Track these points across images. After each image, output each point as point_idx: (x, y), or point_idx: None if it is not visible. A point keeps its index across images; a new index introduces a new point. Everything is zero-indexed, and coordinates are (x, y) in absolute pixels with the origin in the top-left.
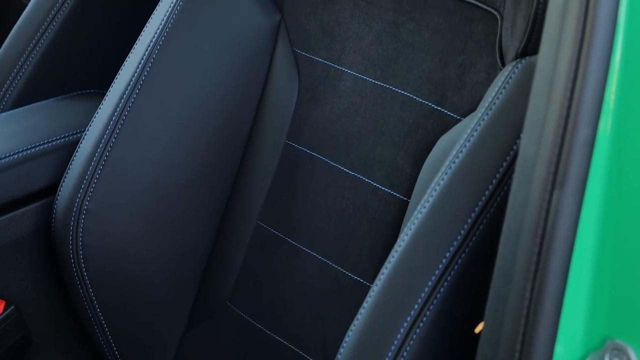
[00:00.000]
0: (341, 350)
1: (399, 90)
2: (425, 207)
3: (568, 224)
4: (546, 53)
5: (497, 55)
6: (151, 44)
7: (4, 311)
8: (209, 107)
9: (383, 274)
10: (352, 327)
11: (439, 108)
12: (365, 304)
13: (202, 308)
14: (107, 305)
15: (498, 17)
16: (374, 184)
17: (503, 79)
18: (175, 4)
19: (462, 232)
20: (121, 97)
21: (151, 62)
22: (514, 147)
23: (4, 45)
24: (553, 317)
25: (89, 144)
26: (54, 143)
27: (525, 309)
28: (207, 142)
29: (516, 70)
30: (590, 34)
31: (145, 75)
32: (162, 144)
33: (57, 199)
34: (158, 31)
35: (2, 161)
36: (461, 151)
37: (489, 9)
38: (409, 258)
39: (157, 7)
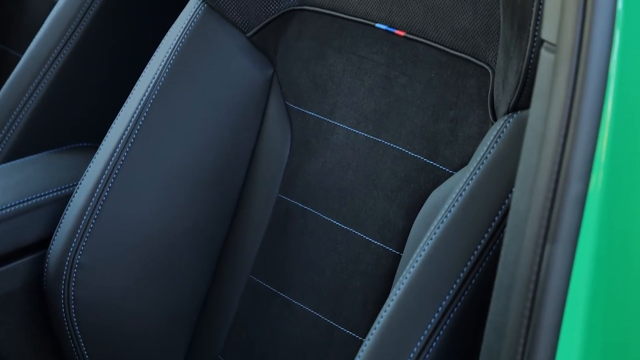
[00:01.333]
0: None
1: (391, 144)
2: (417, 261)
3: (560, 279)
4: (537, 108)
5: (489, 109)
6: (144, 98)
7: None
8: (201, 162)
9: (375, 328)
10: None
11: (431, 162)
12: (357, 358)
13: None
14: (98, 359)
15: (490, 71)
16: (367, 238)
17: (495, 133)
18: (167, 59)
19: (454, 286)
20: (113, 152)
21: (144, 117)
22: (506, 201)
23: None
24: None
25: (81, 197)
26: (46, 196)
27: None
28: (199, 196)
29: (508, 125)
30: (581, 89)
31: (137, 130)
32: (154, 199)
33: (49, 253)
34: (151, 86)
35: None
36: (453, 205)
37: (480, 63)
38: (401, 312)
39: (150, 62)
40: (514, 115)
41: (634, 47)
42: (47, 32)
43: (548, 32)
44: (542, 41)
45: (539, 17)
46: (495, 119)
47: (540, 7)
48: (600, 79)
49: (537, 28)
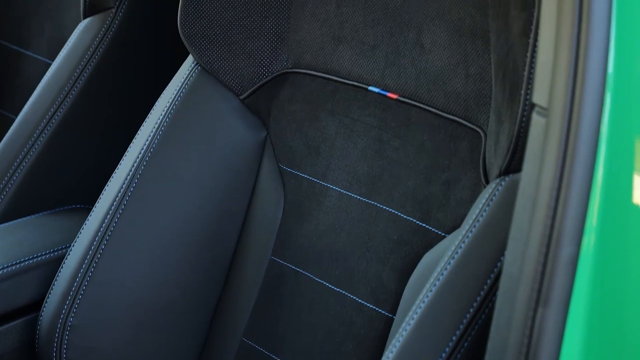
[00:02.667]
0: None
1: (384, 207)
2: (410, 324)
3: (552, 342)
4: (529, 172)
5: (481, 172)
6: (137, 161)
7: None
8: (194, 224)
9: None
10: None
11: (424, 225)
12: None
13: None
14: None
15: (482, 134)
16: (359, 301)
17: (487, 196)
18: (161, 121)
19: (447, 349)
20: (106, 214)
21: (137, 179)
22: (498, 264)
23: None
24: None
25: (73, 260)
26: (38, 259)
27: None
28: (192, 258)
29: (500, 188)
30: (572, 153)
31: (130, 192)
32: (147, 261)
33: (41, 315)
34: (144, 148)
35: None
36: (446, 268)
37: (472, 126)
38: None
39: (144, 124)
40: (506, 179)
41: (625, 111)
42: (41, 95)
43: (539, 96)
44: (533, 105)
45: (530, 81)
46: (487, 182)
47: (532, 71)
48: (591, 143)
49: (528, 92)
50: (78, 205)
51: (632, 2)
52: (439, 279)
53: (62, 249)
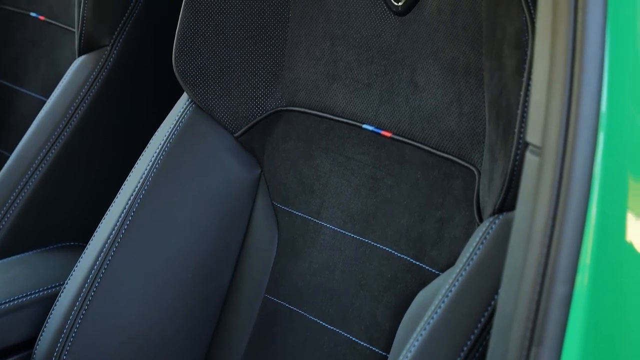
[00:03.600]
0: None
1: (378, 245)
2: None
3: None
4: (523, 210)
5: (475, 210)
6: (131, 198)
7: None
8: (188, 262)
9: None
10: None
11: (418, 263)
12: None
13: None
14: None
15: (476, 173)
16: (353, 339)
17: (481, 234)
18: (155, 159)
19: None
20: (100, 251)
21: (131, 217)
22: (492, 302)
23: None
24: None
25: (67, 297)
26: (32, 296)
27: None
28: (187, 296)
29: (494, 226)
30: (566, 192)
31: (124, 230)
32: (141, 299)
33: (34, 353)
34: (138, 185)
35: None
36: (439, 306)
37: (466, 164)
38: None
39: (138, 161)
40: (500, 217)
41: (618, 150)
42: (35, 132)
43: (533, 135)
44: (527, 144)
45: (523, 120)
46: (481, 220)
47: (525, 109)
48: (585, 182)
49: (522, 131)
50: (72, 243)
51: (625, 43)
52: (433, 317)
53: (55, 286)
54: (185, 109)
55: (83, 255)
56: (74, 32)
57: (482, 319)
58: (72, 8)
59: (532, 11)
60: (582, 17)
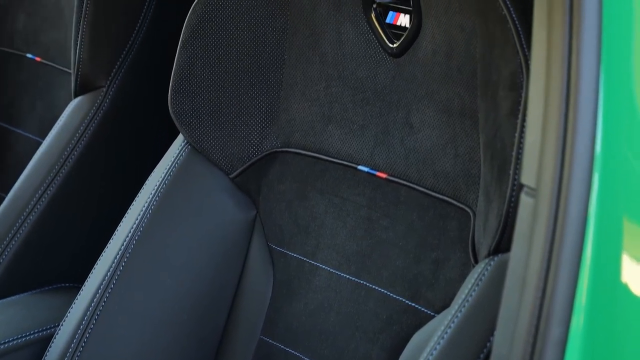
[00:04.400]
0: None
1: (373, 286)
2: None
3: None
4: (518, 252)
5: (470, 252)
6: (126, 240)
7: None
8: (183, 303)
9: None
10: None
11: (413, 304)
12: None
13: None
14: None
15: (471, 214)
16: None
17: (476, 276)
18: (151, 200)
19: None
20: (95, 293)
21: (126, 258)
22: (488, 344)
23: None
24: None
25: (62, 339)
26: (27, 338)
27: None
28: (182, 337)
29: (489, 268)
30: (560, 233)
31: (120, 271)
32: (136, 341)
33: None
34: (134, 227)
35: None
36: (435, 348)
37: (462, 206)
38: None
39: (134, 203)
40: (495, 258)
41: (613, 191)
42: (31, 173)
43: (527, 176)
44: (521, 186)
45: (518, 162)
46: (476, 262)
47: (520, 151)
48: (580, 224)
49: (516, 172)
50: (68, 284)
51: (619, 84)
52: (428, 359)
53: (50, 328)
54: (180, 150)
55: (78, 296)
56: (70, 73)
57: None
58: (68, 49)
59: (527, 53)
60: (576, 60)
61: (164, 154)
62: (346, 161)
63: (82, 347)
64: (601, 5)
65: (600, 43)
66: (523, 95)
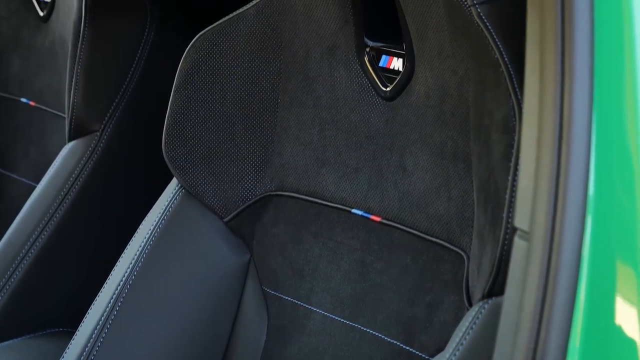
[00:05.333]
0: None
1: (368, 330)
2: None
3: None
4: (511, 295)
5: (464, 295)
6: (120, 284)
7: None
8: (178, 348)
9: None
10: None
11: (408, 347)
12: None
13: None
14: None
15: (465, 257)
16: None
17: (470, 319)
18: (145, 245)
19: None
20: (89, 338)
21: (120, 303)
22: None
23: None
24: None
25: None
26: None
27: None
28: None
29: (483, 311)
30: (554, 277)
31: (114, 316)
32: None
33: None
34: (127, 271)
35: None
36: None
37: (455, 249)
38: None
39: (127, 248)
40: (489, 301)
41: (606, 234)
42: (25, 217)
43: (521, 220)
44: (515, 229)
45: (511, 205)
46: (470, 305)
47: (513, 195)
48: (573, 267)
49: (510, 215)
50: (62, 329)
51: (611, 126)
52: None
53: None
54: (174, 194)
55: (72, 342)
56: (64, 117)
57: None
58: (62, 94)
59: (520, 96)
60: (568, 103)
61: (157, 198)
62: (340, 204)
63: None
64: (593, 48)
65: (592, 86)
66: (516, 138)
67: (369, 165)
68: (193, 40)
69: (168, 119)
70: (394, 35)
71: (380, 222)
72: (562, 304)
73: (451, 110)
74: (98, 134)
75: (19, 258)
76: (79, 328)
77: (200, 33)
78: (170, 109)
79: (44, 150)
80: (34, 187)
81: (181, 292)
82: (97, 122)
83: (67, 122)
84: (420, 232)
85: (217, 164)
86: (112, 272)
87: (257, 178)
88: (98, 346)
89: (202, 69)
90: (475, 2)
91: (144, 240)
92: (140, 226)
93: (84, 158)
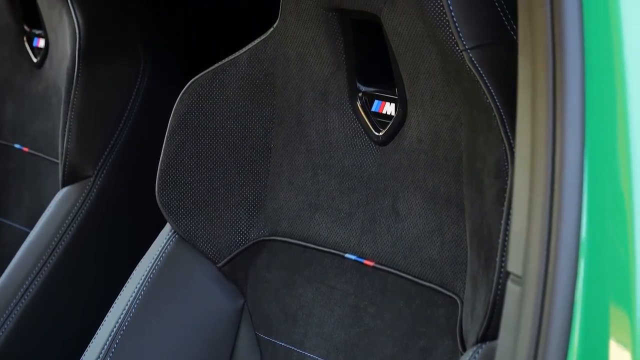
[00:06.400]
0: None
1: None
2: None
3: None
4: (505, 340)
5: (458, 339)
6: (113, 331)
7: None
8: None
9: None
10: None
11: None
12: None
13: None
14: None
15: (458, 301)
16: None
17: None
18: (138, 291)
19: None
20: None
21: (113, 350)
22: None
23: None
24: None
25: None
26: None
27: None
28: None
29: (477, 356)
30: (547, 322)
31: None
32: None
33: None
34: (121, 318)
35: None
36: None
37: (449, 293)
38: None
39: (121, 294)
40: (483, 346)
41: (599, 277)
42: (19, 263)
43: (514, 264)
44: (508, 273)
45: (505, 249)
46: (464, 349)
47: (506, 239)
48: (566, 311)
49: (503, 260)
50: None
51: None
52: None
53: None
54: (168, 239)
55: None
56: (57, 163)
57: None
58: (55, 139)
59: (512, 141)
60: (560, 146)
61: (151, 242)
62: (333, 249)
63: None
64: (585, 92)
65: (584, 129)
66: (508, 182)
67: (362, 209)
68: (186, 86)
69: (161, 164)
70: (386, 80)
71: (373, 267)
72: (555, 349)
73: (444, 155)
74: (91, 179)
75: (12, 304)
76: None
77: (194, 78)
78: (163, 154)
79: (38, 196)
80: (28, 233)
81: (175, 338)
82: (91, 168)
83: (60, 168)
84: (414, 276)
85: (211, 209)
86: (105, 318)
87: (251, 223)
88: None
89: (195, 114)
90: (466, 47)
91: (138, 286)
92: (134, 272)
93: (78, 204)
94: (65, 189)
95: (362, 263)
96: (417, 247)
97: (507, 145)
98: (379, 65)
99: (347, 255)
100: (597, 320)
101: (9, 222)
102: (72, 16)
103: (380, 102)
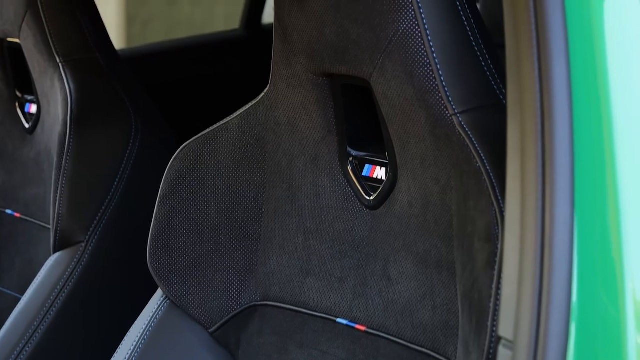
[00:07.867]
0: None
1: None
2: None
3: None
4: None
5: None
6: None
7: None
8: None
9: None
10: None
11: None
12: None
13: None
14: None
15: None
16: None
17: None
18: (130, 356)
19: None
20: None
21: None
22: None
23: None
24: None
25: None
26: None
27: None
28: None
29: None
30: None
31: None
32: None
33: None
34: None
35: None
36: None
37: (441, 358)
38: None
39: (113, 359)
40: None
41: (590, 341)
42: (10, 330)
43: (505, 329)
44: (499, 338)
45: (496, 313)
46: None
47: (497, 303)
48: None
49: (494, 324)
50: None
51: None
52: None
53: None
54: (159, 305)
55: None
56: (49, 228)
57: None
58: (47, 205)
59: (502, 204)
60: (550, 209)
61: (142, 308)
62: (325, 314)
63: None
64: (573, 154)
65: (573, 192)
66: (499, 246)
67: (353, 274)
68: (177, 151)
69: (153, 229)
70: (377, 145)
71: (365, 332)
72: None
73: (434, 219)
74: (83, 244)
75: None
76: None
77: (185, 144)
78: (154, 219)
79: (30, 261)
80: (19, 299)
81: None
82: (82, 233)
83: (52, 234)
84: (406, 341)
85: (202, 274)
86: None
87: (242, 288)
88: None
89: (186, 179)
90: (456, 111)
91: (129, 352)
92: (125, 337)
93: (69, 269)
94: (56, 255)
95: (354, 328)
96: (408, 312)
97: (497, 209)
98: (370, 130)
99: (338, 320)
100: None
101: (0, 288)
102: (63, 82)
103: (371, 166)
